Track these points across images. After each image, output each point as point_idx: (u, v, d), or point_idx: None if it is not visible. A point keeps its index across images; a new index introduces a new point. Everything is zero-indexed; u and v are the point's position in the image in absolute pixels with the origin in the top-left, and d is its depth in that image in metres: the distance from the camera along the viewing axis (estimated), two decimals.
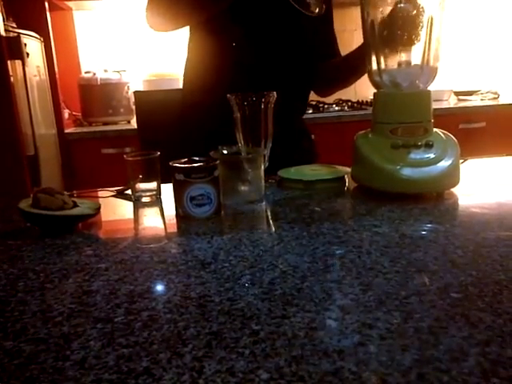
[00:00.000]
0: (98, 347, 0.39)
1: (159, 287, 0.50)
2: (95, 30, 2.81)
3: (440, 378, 0.33)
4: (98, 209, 0.74)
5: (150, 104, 1.47)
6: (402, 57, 0.84)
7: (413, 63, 0.83)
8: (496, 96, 2.79)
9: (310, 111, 2.46)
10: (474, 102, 2.70)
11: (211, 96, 1.08)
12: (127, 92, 2.64)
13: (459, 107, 2.54)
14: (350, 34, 2.80)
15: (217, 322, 0.42)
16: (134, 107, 2.34)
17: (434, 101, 0.85)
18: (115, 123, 2.61)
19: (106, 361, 0.37)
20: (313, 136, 1.32)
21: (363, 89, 2.85)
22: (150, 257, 0.59)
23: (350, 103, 2.61)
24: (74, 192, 0.93)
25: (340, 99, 2.74)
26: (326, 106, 2.54)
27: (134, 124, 2.51)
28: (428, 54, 0.82)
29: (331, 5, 1.19)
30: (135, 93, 1.49)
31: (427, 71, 0.84)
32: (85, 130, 2.48)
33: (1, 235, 0.71)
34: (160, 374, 0.35)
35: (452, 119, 2.34)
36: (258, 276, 0.52)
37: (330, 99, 2.72)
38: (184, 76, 1.20)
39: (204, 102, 1.13)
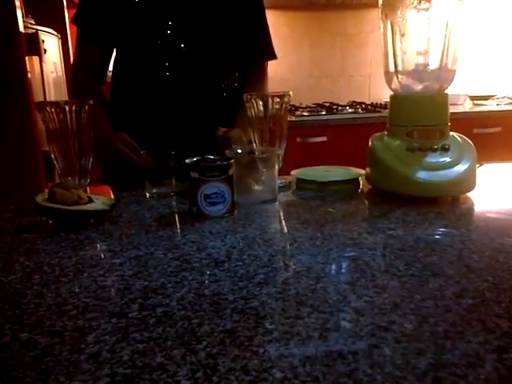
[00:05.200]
0: (113, 342, 0.39)
1: (173, 284, 0.50)
2: None
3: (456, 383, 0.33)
4: (113, 205, 0.75)
5: None
6: (420, 59, 0.83)
7: (430, 65, 0.83)
8: None
9: (323, 112, 2.45)
10: (490, 106, 2.67)
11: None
12: None
13: (475, 112, 2.51)
14: (365, 36, 2.79)
15: (230, 320, 0.42)
16: None
17: (449, 105, 0.85)
18: None
19: (120, 355, 0.37)
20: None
21: (377, 91, 2.83)
22: (164, 253, 0.59)
23: (363, 105, 2.59)
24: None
25: (354, 101, 2.73)
26: (339, 108, 2.52)
27: None
28: (446, 57, 0.82)
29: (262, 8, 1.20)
30: None
31: (445, 74, 0.83)
32: None
33: (17, 228, 0.72)
34: (174, 370, 0.35)
35: (467, 124, 2.31)
36: (272, 276, 0.52)
37: (343, 101, 2.72)
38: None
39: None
